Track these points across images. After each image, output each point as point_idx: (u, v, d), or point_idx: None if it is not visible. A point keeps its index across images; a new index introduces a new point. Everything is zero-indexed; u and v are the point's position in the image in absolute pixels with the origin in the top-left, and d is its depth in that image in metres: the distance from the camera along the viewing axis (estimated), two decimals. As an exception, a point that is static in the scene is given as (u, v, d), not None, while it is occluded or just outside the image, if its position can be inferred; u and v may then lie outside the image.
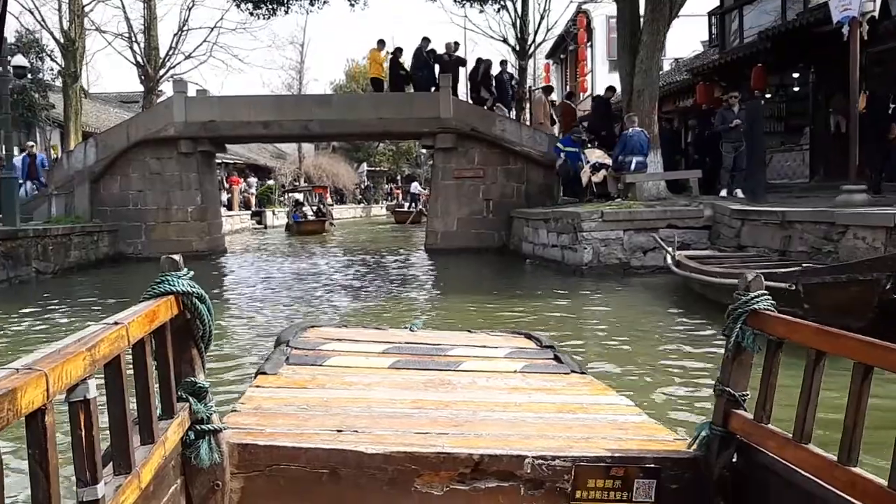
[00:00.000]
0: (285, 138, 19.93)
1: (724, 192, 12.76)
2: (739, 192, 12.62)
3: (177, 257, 2.05)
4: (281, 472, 2.15)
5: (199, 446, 2.06)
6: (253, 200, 34.92)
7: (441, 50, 18.18)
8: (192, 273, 2.04)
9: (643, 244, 11.40)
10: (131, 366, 1.75)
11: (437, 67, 17.43)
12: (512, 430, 2.43)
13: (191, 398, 2.07)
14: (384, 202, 54.03)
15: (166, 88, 24.79)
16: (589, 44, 27.61)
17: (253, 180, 36.28)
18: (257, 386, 2.84)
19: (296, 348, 3.43)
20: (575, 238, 11.53)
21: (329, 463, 2.15)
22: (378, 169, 56.54)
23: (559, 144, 15.23)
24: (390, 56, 18.70)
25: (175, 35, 26.78)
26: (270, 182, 39.21)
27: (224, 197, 29.97)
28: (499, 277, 12.99)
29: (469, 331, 4.39)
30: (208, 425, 2.09)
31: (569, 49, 30.74)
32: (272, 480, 2.15)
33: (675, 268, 9.20)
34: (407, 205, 41.44)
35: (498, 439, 2.31)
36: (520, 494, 2.18)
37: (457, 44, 18.88)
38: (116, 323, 1.63)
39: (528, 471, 2.17)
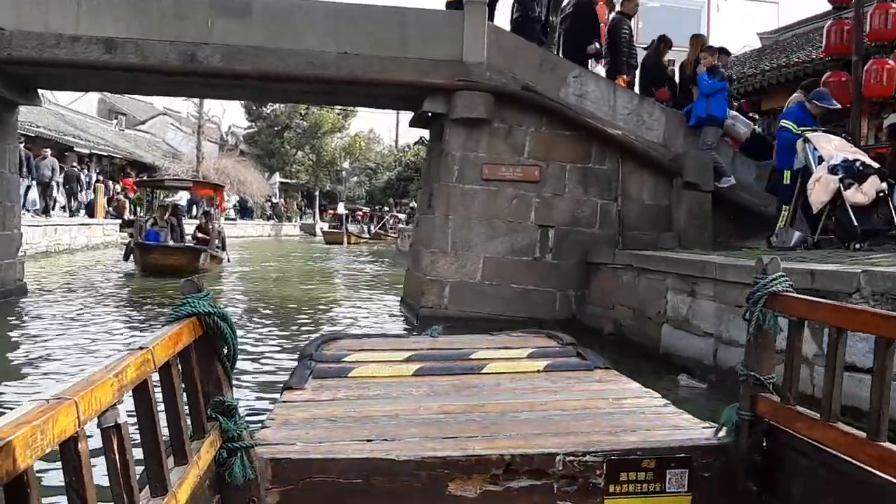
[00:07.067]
0: (151, 73, 7.58)
1: None
2: None
3: (195, 278, 2.05)
4: (315, 484, 2.16)
5: (233, 463, 2.06)
6: (128, 206, 26.49)
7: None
8: (212, 293, 2.01)
9: None
10: (160, 389, 1.74)
11: None
12: (541, 428, 2.47)
13: (221, 417, 2.08)
14: (298, 220, 45.95)
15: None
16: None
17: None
18: (285, 401, 2.83)
19: (319, 361, 3.39)
20: None
21: (362, 472, 2.17)
22: (293, 181, 47.81)
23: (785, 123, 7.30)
24: None
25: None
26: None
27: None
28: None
29: (490, 333, 4.28)
30: (240, 442, 2.09)
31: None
32: (307, 493, 2.16)
33: None
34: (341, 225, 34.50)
35: (527, 439, 2.35)
36: (553, 492, 2.20)
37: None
38: (141, 348, 1.61)
39: (560, 468, 2.20)
